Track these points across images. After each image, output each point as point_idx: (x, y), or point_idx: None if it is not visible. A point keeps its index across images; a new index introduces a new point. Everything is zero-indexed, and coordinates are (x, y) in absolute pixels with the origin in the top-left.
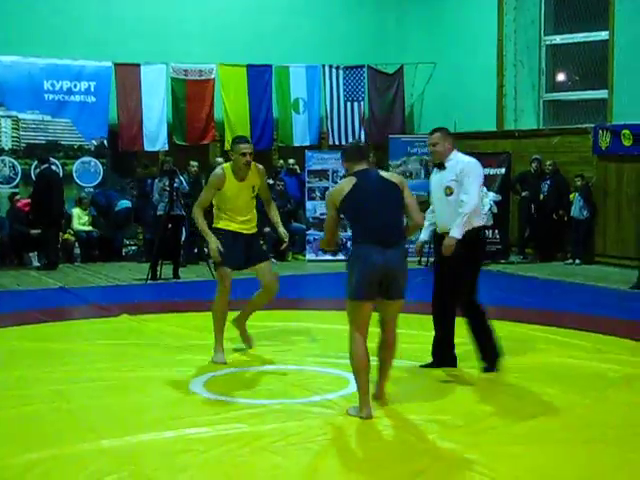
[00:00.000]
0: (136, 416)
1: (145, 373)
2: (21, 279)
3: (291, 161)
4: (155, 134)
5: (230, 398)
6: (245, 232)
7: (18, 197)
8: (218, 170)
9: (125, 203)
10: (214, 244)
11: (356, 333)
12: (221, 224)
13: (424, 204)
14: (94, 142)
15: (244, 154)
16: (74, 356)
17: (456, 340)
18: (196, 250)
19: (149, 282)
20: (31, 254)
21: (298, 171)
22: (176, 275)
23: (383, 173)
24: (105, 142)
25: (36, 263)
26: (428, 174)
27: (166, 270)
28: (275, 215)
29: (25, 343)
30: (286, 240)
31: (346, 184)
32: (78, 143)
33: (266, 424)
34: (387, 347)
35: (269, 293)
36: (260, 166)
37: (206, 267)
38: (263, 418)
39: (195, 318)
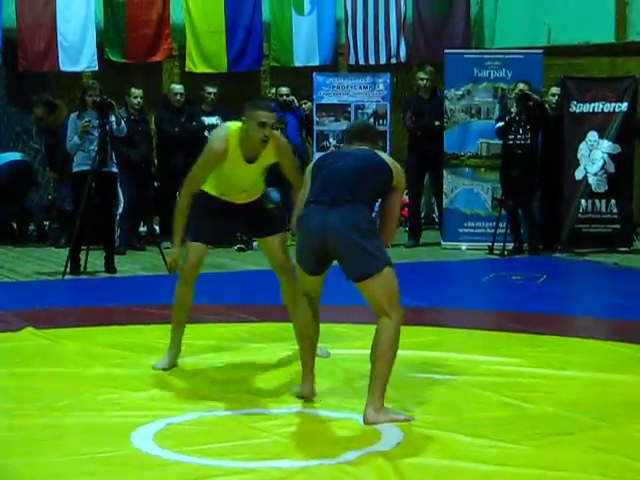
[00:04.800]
0: None
1: (60, 419)
2: None
3: (284, 90)
4: (77, 46)
5: (197, 459)
6: (237, 202)
7: None
8: (219, 139)
9: (10, 157)
10: (174, 254)
11: (302, 295)
12: (206, 187)
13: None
14: None
15: (263, 124)
16: None
17: None
18: (143, 226)
19: (67, 277)
20: None
21: (296, 104)
22: (109, 267)
23: (384, 155)
24: None
25: None
26: (505, 111)
27: (94, 259)
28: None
29: None
30: None
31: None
32: None
33: None
34: (373, 352)
35: (285, 273)
36: (282, 139)
37: (157, 253)
38: None
39: (139, 333)
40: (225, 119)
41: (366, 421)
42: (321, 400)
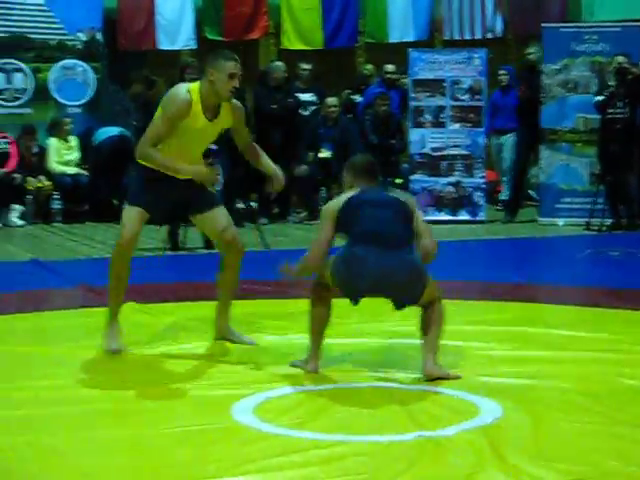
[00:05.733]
0: (149, 459)
1: (163, 392)
2: None
3: (389, 67)
4: (175, 25)
5: (296, 432)
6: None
7: None
8: (181, 93)
9: (110, 131)
10: (200, 168)
11: (318, 282)
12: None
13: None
14: (82, 36)
15: (232, 75)
16: (49, 365)
17: None
18: (241, 205)
19: (167, 253)
20: (15, 206)
21: (401, 82)
22: (208, 243)
23: (393, 191)
24: (99, 36)
25: (18, 221)
26: (603, 85)
27: (193, 235)
28: (264, 157)
29: None
30: (280, 183)
31: (345, 195)
32: (57, 38)
33: (348, 475)
34: (425, 321)
35: (233, 252)
36: (239, 103)
37: (255, 230)
38: (343, 464)
39: (238, 308)
40: (320, 95)
41: (426, 375)
42: (406, 375)
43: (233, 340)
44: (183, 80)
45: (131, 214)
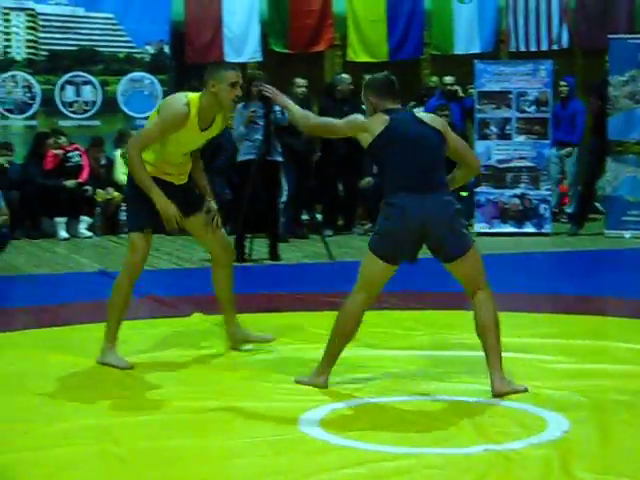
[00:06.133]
0: (218, 468)
1: (229, 403)
2: (41, 258)
3: (448, 79)
4: (242, 37)
5: (363, 444)
6: (176, 182)
7: (53, 140)
8: (179, 105)
9: None
10: (168, 208)
11: (360, 292)
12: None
13: None
14: (149, 49)
15: (234, 84)
16: (120, 377)
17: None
18: (306, 217)
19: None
20: (58, 220)
21: (460, 94)
22: (274, 254)
23: (422, 115)
24: (166, 49)
25: (64, 234)
26: None
27: (258, 247)
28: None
29: (47, 355)
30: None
31: (377, 122)
32: (125, 51)
33: None
34: (482, 326)
35: (224, 255)
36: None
37: (320, 242)
38: (411, 476)
39: (303, 319)
40: None
41: (496, 392)
42: (477, 387)
43: (251, 340)
44: (249, 92)
45: (139, 239)
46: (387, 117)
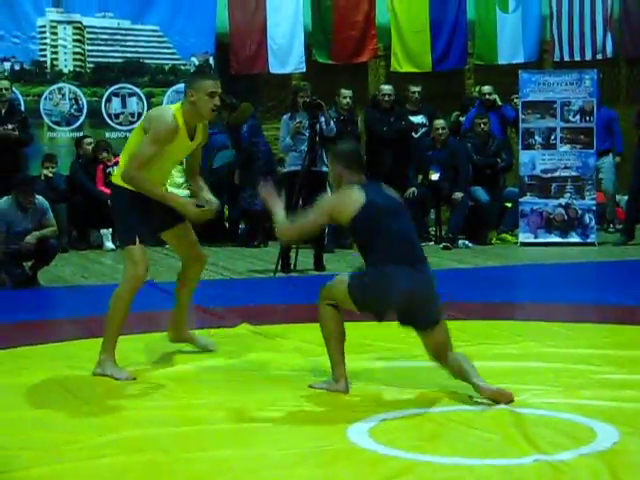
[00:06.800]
0: (266, 479)
1: (276, 413)
2: (89, 269)
3: (486, 89)
4: (286, 48)
5: (414, 454)
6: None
7: (107, 156)
8: (168, 118)
9: (225, 156)
10: (188, 204)
11: (328, 305)
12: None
13: None
14: (195, 60)
15: (212, 94)
16: (164, 387)
17: None
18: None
19: (278, 275)
20: (104, 231)
21: (498, 103)
22: (319, 265)
23: (384, 187)
24: (211, 61)
25: (110, 245)
26: None
27: (304, 257)
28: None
29: (91, 365)
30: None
31: (354, 196)
32: (171, 62)
33: None
34: (460, 371)
35: (200, 264)
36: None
37: (347, 255)
38: None
39: (349, 330)
40: (430, 118)
41: (481, 391)
42: (525, 398)
43: (196, 344)
44: (295, 103)
45: (137, 252)
46: (362, 190)
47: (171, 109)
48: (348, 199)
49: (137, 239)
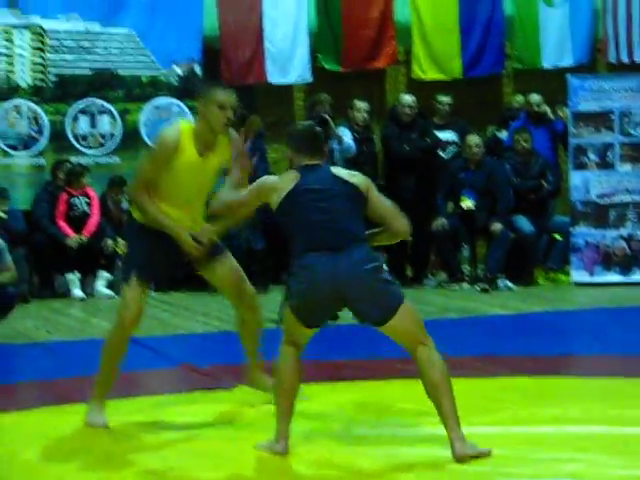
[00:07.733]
0: None
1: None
2: (54, 322)
3: (535, 98)
4: (287, 53)
5: None
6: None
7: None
8: (168, 135)
9: (220, 181)
10: (186, 235)
11: (286, 344)
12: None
13: None
14: (178, 70)
15: (222, 106)
16: (144, 472)
17: None
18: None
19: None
20: (70, 276)
21: (550, 116)
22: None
23: (341, 171)
24: (197, 70)
25: (79, 293)
26: None
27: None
28: None
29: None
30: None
31: (287, 180)
32: (149, 73)
33: None
34: (432, 385)
35: (250, 307)
36: (234, 133)
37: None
38: None
39: (374, 390)
40: (461, 134)
41: (457, 456)
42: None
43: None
44: (312, 118)
45: (130, 293)
46: (298, 174)
47: (179, 123)
48: (281, 182)
49: (134, 277)
